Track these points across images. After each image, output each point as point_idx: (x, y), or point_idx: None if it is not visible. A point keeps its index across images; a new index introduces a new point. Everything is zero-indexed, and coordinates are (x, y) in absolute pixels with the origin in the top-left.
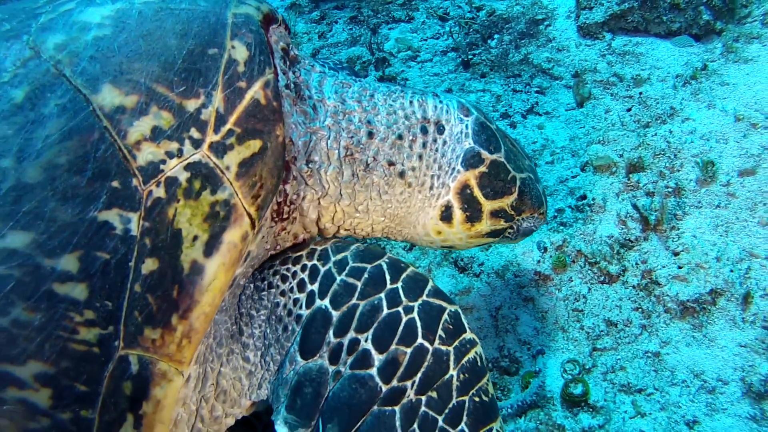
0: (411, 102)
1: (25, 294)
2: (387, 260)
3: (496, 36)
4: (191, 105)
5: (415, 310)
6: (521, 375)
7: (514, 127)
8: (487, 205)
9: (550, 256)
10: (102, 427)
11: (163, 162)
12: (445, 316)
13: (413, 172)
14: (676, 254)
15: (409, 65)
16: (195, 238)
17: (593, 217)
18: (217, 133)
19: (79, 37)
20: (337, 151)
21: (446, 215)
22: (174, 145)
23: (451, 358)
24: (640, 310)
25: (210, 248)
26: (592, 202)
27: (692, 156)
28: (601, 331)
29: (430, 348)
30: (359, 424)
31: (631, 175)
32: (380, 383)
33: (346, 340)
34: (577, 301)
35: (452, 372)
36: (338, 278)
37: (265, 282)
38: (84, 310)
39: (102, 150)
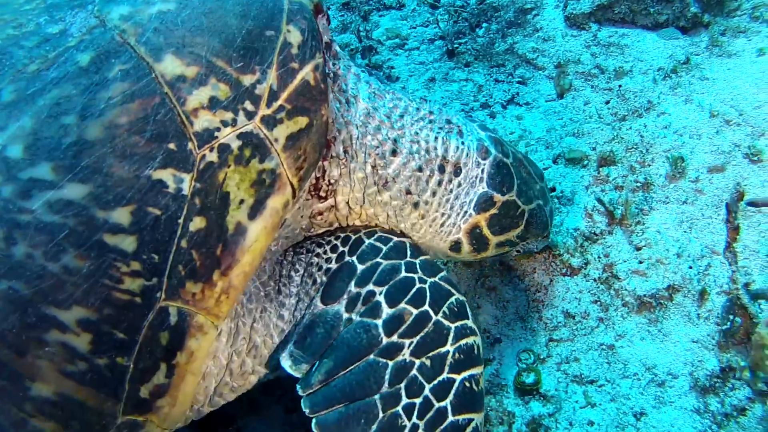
0: (436, 138)
1: (77, 242)
2: (410, 241)
3: (484, 25)
4: (247, 80)
5: (428, 283)
6: None
7: (494, 118)
8: (494, 240)
9: None
10: (136, 374)
11: (218, 129)
12: (452, 299)
13: (426, 206)
14: (638, 249)
15: (396, 53)
16: (241, 201)
17: (561, 210)
18: (269, 108)
19: (143, 9)
20: (363, 155)
21: (455, 248)
22: (229, 115)
23: (451, 334)
24: (598, 303)
25: (254, 212)
26: (560, 194)
27: (664, 151)
28: (559, 322)
29: (434, 317)
30: (353, 366)
31: (601, 169)
32: (382, 334)
33: (364, 291)
34: (538, 292)
35: (449, 347)
36: (367, 241)
37: (304, 248)
38: (131, 261)
39: (161, 114)
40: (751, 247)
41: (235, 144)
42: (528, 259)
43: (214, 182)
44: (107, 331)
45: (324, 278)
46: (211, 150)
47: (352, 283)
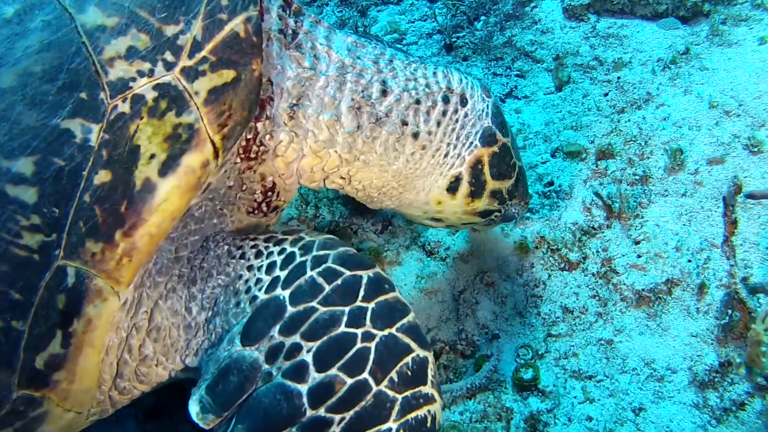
0: (435, 72)
1: None
2: (372, 274)
3: (482, 18)
4: (170, 30)
5: (376, 339)
6: (475, 358)
7: None
8: (491, 185)
9: (514, 242)
10: (31, 341)
11: (133, 80)
12: (408, 359)
13: (429, 136)
14: (637, 243)
15: (396, 48)
16: (152, 156)
17: (559, 204)
18: (191, 59)
19: None
20: (338, 101)
21: (453, 186)
22: (146, 65)
23: (396, 407)
24: (597, 297)
25: (166, 168)
26: (558, 188)
27: (663, 143)
28: (557, 317)
29: (374, 387)
30: None
31: (600, 162)
32: (306, 405)
33: (288, 342)
34: (537, 287)
35: (391, 425)
36: (308, 274)
37: (240, 251)
38: (31, 214)
39: (76, 63)
40: (751, 240)
41: (150, 95)
42: (526, 254)
43: (124, 134)
44: (3, 290)
45: (248, 306)
46: (124, 100)
47: (276, 328)
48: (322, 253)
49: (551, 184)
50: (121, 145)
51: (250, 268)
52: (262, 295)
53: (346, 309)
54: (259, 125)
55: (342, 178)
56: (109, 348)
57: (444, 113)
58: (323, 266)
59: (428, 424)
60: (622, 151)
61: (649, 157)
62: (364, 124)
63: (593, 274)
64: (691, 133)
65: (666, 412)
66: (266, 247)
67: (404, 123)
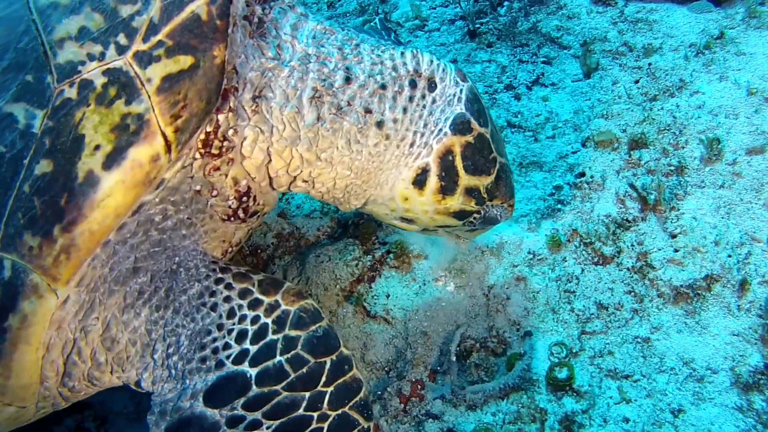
0: (403, 53)
1: None
2: (335, 357)
3: (506, 3)
4: (126, 10)
5: (329, 420)
6: (507, 356)
7: (519, 99)
8: (465, 180)
9: (545, 235)
10: None
11: (83, 63)
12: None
13: (394, 124)
14: (673, 236)
15: (416, 35)
16: (97, 147)
17: (591, 195)
18: (145, 42)
19: None
20: (299, 91)
21: (420, 179)
22: (98, 48)
23: None
24: (632, 293)
25: (111, 161)
26: (590, 179)
27: (698, 132)
28: (592, 314)
29: None
30: None
31: (632, 152)
32: None
33: (250, 417)
34: (570, 282)
35: None
36: (277, 358)
37: (212, 300)
38: None
39: (24, 42)
40: None
41: (99, 81)
42: (558, 247)
43: (68, 122)
44: None
45: (214, 368)
46: (71, 85)
47: (240, 402)
48: (293, 334)
49: (583, 174)
50: (65, 134)
51: (220, 327)
52: (229, 365)
53: (307, 395)
54: (221, 117)
55: (305, 181)
56: (50, 346)
57: (411, 98)
58: (292, 353)
59: None
60: (656, 141)
61: (684, 147)
62: (324, 115)
63: (628, 269)
64: (728, 121)
65: (707, 414)
66: (240, 307)
67: (368, 111)
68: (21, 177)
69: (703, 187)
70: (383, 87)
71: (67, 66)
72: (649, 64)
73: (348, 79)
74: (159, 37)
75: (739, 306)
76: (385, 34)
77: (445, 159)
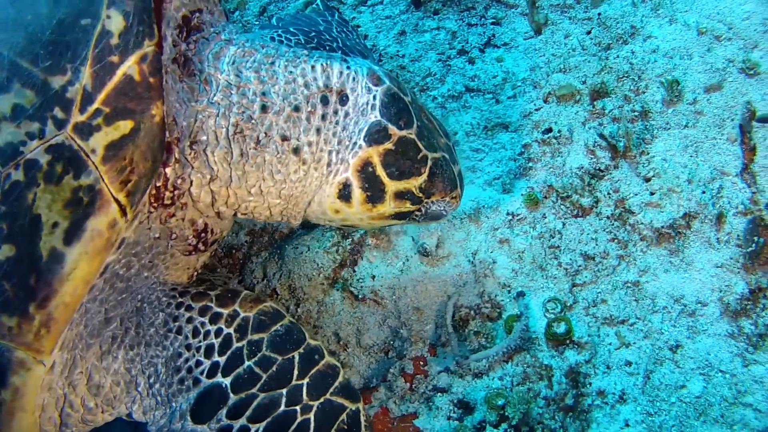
0: (314, 67)
1: None
2: (302, 351)
3: None
4: (57, 82)
5: (313, 410)
6: (504, 319)
7: (473, 63)
8: (391, 186)
9: (521, 195)
10: None
11: (23, 143)
12: (343, 416)
13: (309, 148)
14: (647, 180)
15: (360, 11)
16: (55, 224)
17: (561, 150)
18: (82, 113)
19: None
20: (224, 129)
21: (344, 194)
22: (35, 126)
23: None
24: (616, 240)
25: (71, 236)
26: (558, 134)
27: (657, 76)
28: (579, 266)
29: None
30: None
31: (595, 102)
32: None
33: (236, 425)
34: (553, 237)
35: None
36: (246, 363)
37: (176, 324)
38: None
39: None
40: (761, 164)
41: (44, 159)
42: (536, 205)
43: (22, 204)
44: None
45: (192, 386)
46: (17, 167)
47: (223, 412)
48: (256, 337)
49: (550, 130)
50: (21, 216)
51: (188, 347)
52: (204, 380)
53: (284, 390)
54: (169, 170)
55: (243, 213)
56: (45, 406)
57: (324, 117)
58: (259, 355)
59: None
60: (617, 89)
61: (644, 92)
62: (246, 150)
63: (608, 217)
64: (684, 62)
65: (702, 345)
66: (202, 324)
67: (284, 138)
68: None
69: (669, 128)
70: (297, 109)
71: (8, 148)
72: (599, 14)
73: (264, 107)
74: (95, 105)
75: (718, 239)
76: (328, 15)
77: (365, 171)
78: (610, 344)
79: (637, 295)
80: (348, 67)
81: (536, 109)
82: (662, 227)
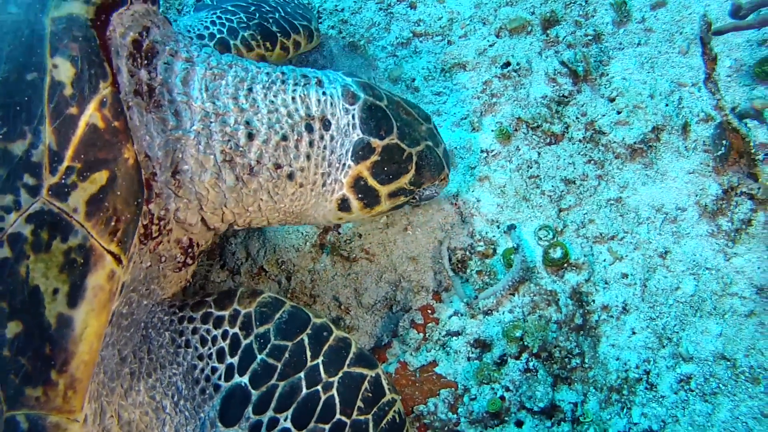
0: (293, 98)
1: None
2: (310, 332)
3: None
4: (18, 148)
5: (335, 386)
6: (501, 254)
7: (415, 8)
8: (384, 190)
9: (492, 131)
10: None
11: (1, 219)
12: (365, 384)
13: (302, 173)
14: (611, 100)
15: None
16: (55, 291)
17: (522, 82)
18: (54, 174)
19: None
20: (212, 157)
21: (344, 206)
22: (9, 198)
23: (370, 425)
24: (592, 161)
25: (74, 298)
26: (517, 66)
27: None
28: (562, 191)
29: (348, 421)
30: None
31: (548, 31)
32: None
33: (265, 419)
34: (531, 168)
35: None
36: (258, 357)
37: (183, 338)
38: None
39: None
40: (724, 73)
41: (27, 230)
42: (508, 139)
43: (16, 279)
44: None
45: (213, 392)
46: (1, 245)
47: (249, 409)
48: (262, 330)
49: (508, 64)
50: (19, 292)
51: (200, 357)
52: (224, 384)
53: (302, 374)
54: (152, 206)
55: (240, 225)
56: None
57: (311, 143)
58: (269, 346)
59: (398, 421)
60: (566, 16)
61: (594, 15)
62: (240, 176)
63: (581, 141)
64: None
65: (688, 248)
66: (207, 331)
67: (277, 166)
68: None
69: (623, 48)
70: (284, 138)
71: None
72: None
73: (250, 135)
74: (65, 163)
75: (686, 147)
76: None
77: (358, 185)
78: (604, 261)
79: (621, 211)
80: (324, 93)
81: (490, 45)
82: (634, 143)
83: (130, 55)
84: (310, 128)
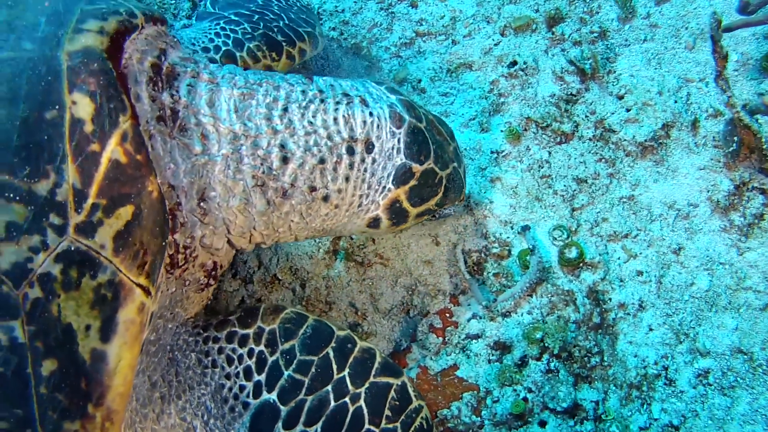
0: (335, 119)
1: None
2: (334, 345)
3: None
4: (43, 188)
5: (362, 397)
6: (517, 256)
7: (416, 7)
8: (414, 211)
9: (501, 131)
10: None
11: (30, 260)
12: (392, 393)
13: (339, 194)
14: (620, 98)
15: None
16: (88, 327)
17: (530, 81)
18: (80, 213)
19: None
20: (242, 183)
21: (374, 224)
22: (36, 239)
23: None
24: (603, 160)
25: (107, 333)
26: (524, 65)
27: None
28: (574, 190)
29: (377, 430)
30: None
31: (553, 29)
32: None
33: None
34: (542, 167)
35: None
36: (285, 373)
37: (209, 358)
38: None
39: None
40: (731, 68)
41: (56, 269)
42: (518, 139)
43: (49, 318)
44: None
45: (243, 410)
46: (32, 285)
47: (279, 425)
48: (287, 346)
49: (515, 63)
50: (53, 330)
51: (228, 376)
52: (252, 401)
53: (329, 387)
54: (177, 236)
55: (266, 245)
56: None
57: (351, 166)
58: (295, 362)
59: (425, 427)
60: (571, 13)
61: (598, 12)
62: (272, 199)
63: (591, 139)
64: None
65: (701, 244)
66: (233, 350)
67: (312, 189)
68: (33, 384)
69: (629, 45)
70: (322, 161)
71: (15, 269)
72: None
73: (285, 159)
74: (90, 201)
75: (696, 143)
76: None
77: (393, 207)
78: (619, 259)
79: (634, 208)
80: (371, 114)
81: (495, 44)
82: (645, 140)
83: (150, 80)
84: (351, 151)
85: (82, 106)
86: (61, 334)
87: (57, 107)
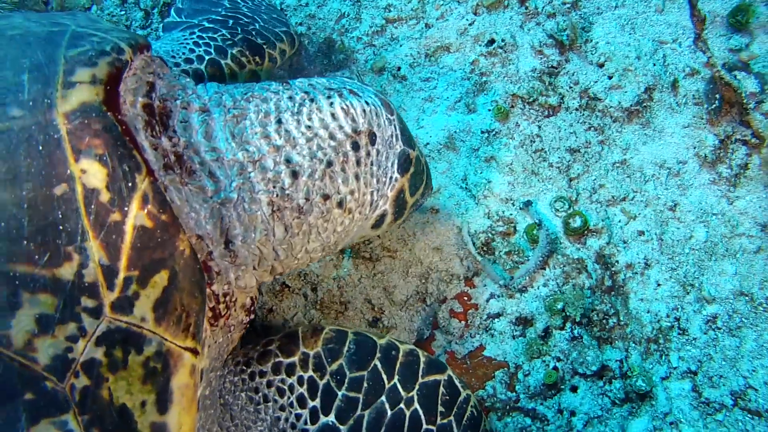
0: (333, 114)
1: None
2: (380, 355)
3: None
4: (67, 272)
5: (415, 399)
6: (524, 231)
7: None
8: (410, 201)
9: (488, 110)
10: None
11: (70, 350)
12: (441, 389)
13: (352, 196)
14: (600, 66)
15: None
16: (143, 403)
17: (509, 57)
18: (113, 290)
19: None
20: (260, 213)
21: (378, 223)
22: (72, 327)
23: (453, 426)
24: (592, 128)
25: (163, 404)
26: (502, 43)
27: None
28: (568, 160)
29: (434, 428)
30: None
31: (526, 3)
32: None
33: None
34: (534, 142)
35: None
36: (339, 393)
37: (260, 394)
38: None
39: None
40: (711, 30)
41: (99, 353)
42: (506, 117)
43: (101, 403)
44: None
45: None
46: (77, 375)
47: None
48: (335, 366)
49: (492, 41)
50: (107, 415)
51: (282, 408)
52: (311, 427)
53: (384, 397)
54: (215, 287)
55: (284, 273)
56: None
57: (358, 162)
58: (346, 381)
59: (476, 414)
60: None
61: None
62: (289, 222)
63: (577, 109)
64: None
65: (693, 198)
66: (282, 381)
67: (326, 197)
68: None
69: (601, 12)
70: (330, 164)
71: (56, 362)
72: None
73: (294, 173)
74: (122, 275)
75: (678, 102)
76: None
77: (398, 199)
78: (619, 222)
79: (628, 172)
80: (367, 102)
81: (470, 24)
82: (630, 105)
83: (147, 125)
84: (356, 146)
85: (92, 174)
86: (117, 417)
87: (66, 181)
